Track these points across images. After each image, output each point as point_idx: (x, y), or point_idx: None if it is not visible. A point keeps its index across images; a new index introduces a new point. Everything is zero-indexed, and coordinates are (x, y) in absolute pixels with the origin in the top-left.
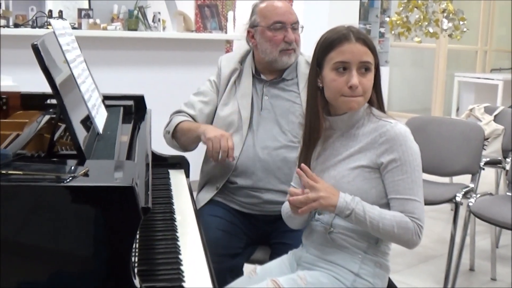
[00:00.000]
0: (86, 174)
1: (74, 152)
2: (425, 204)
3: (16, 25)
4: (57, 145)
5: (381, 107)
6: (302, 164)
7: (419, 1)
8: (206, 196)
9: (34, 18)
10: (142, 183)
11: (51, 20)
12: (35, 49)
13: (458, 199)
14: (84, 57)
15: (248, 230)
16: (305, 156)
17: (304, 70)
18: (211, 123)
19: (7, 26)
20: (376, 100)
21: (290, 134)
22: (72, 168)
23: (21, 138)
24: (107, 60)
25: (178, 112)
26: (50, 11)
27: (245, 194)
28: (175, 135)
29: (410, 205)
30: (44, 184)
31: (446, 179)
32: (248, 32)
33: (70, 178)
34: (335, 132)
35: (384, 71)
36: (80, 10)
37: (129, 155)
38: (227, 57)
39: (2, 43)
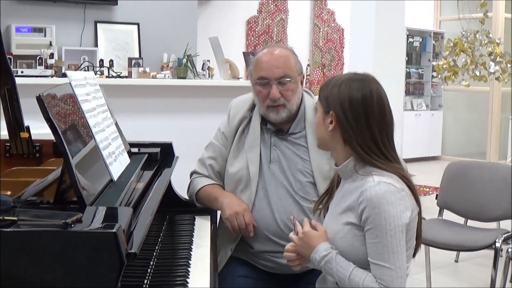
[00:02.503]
0: (79, 220)
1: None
2: (465, 250)
3: (64, 75)
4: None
5: (376, 158)
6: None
7: (465, 45)
8: (225, 257)
9: (83, 68)
10: (142, 228)
11: (68, 72)
12: (39, 101)
13: (497, 244)
14: (122, 105)
15: (272, 285)
16: (319, 206)
17: (311, 119)
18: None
19: (58, 75)
20: (365, 154)
21: (299, 195)
22: (67, 214)
23: (38, 185)
24: (157, 108)
25: (195, 172)
26: (101, 60)
27: (264, 258)
28: (199, 202)
29: (379, 271)
30: (32, 230)
31: (493, 225)
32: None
33: (60, 224)
34: (343, 181)
35: (438, 115)
36: (130, 59)
37: (139, 202)
38: (236, 104)
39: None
